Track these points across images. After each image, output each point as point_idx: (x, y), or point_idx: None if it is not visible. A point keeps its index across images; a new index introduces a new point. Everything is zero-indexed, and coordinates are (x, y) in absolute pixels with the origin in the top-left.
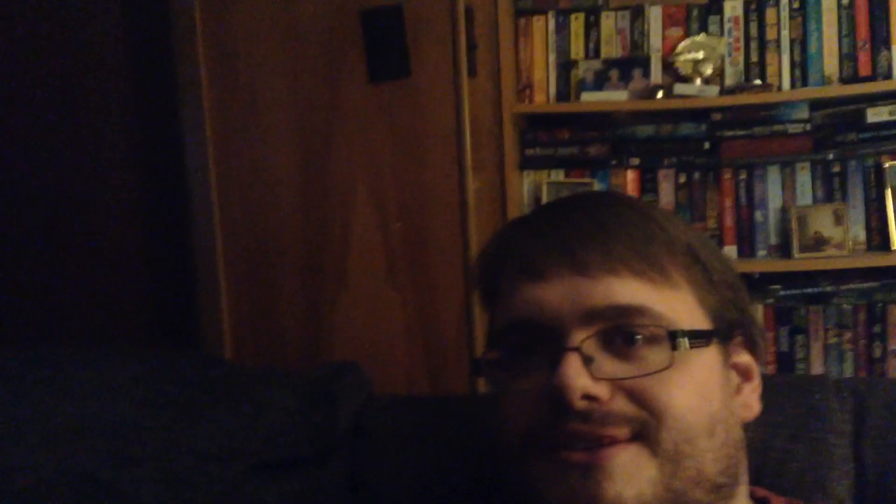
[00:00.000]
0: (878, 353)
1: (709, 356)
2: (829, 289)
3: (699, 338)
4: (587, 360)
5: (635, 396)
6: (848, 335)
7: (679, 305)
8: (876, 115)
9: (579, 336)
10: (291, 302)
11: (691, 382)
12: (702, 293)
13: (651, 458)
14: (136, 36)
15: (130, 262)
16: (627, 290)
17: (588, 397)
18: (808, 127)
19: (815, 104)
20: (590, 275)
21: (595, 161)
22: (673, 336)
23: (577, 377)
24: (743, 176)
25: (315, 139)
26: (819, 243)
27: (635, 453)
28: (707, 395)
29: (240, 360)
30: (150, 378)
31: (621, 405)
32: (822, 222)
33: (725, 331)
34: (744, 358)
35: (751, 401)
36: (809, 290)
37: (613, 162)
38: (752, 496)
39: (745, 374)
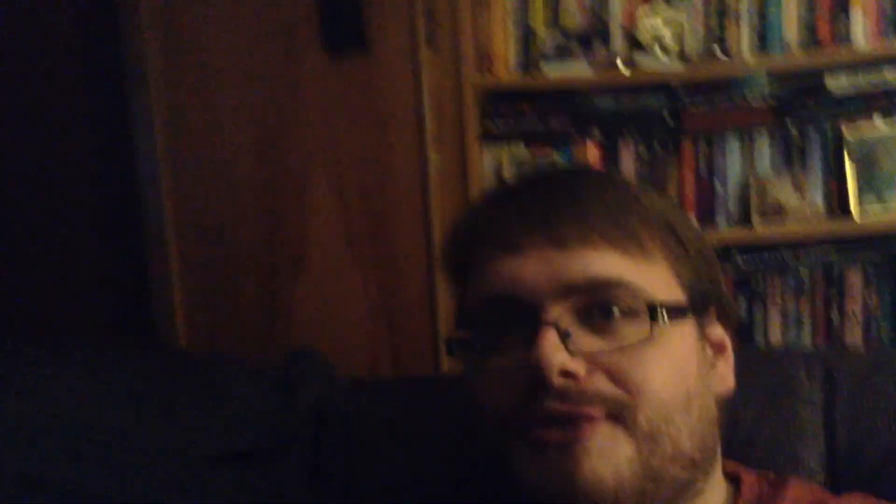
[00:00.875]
0: (836, 319)
1: (685, 330)
2: (787, 255)
3: (677, 310)
4: (564, 335)
5: (612, 374)
6: (805, 301)
7: (656, 278)
8: (835, 81)
9: (556, 310)
10: (248, 284)
11: (668, 358)
12: (677, 266)
13: (627, 438)
14: (82, 9)
15: (78, 245)
16: (604, 262)
17: (565, 373)
18: (768, 96)
19: (776, 74)
20: (566, 247)
21: (557, 135)
22: (651, 309)
23: (555, 353)
24: (703, 147)
25: (270, 115)
26: (778, 211)
27: (611, 432)
28: (684, 370)
29: (195, 347)
30: (102, 372)
31: (598, 383)
32: (782, 191)
33: (701, 303)
34: (717, 331)
35: (725, 374)
36: (768, 257)
37: (575, 135)
38: (723, 470)
39: (718, 348)
